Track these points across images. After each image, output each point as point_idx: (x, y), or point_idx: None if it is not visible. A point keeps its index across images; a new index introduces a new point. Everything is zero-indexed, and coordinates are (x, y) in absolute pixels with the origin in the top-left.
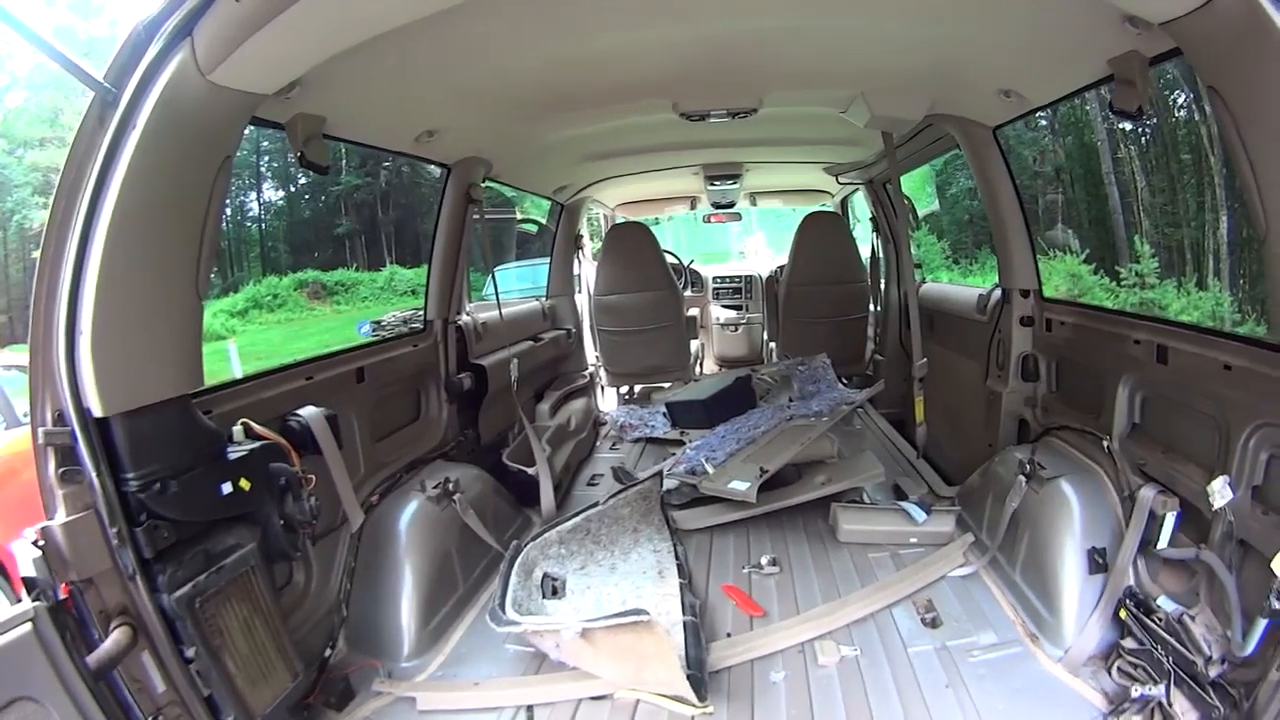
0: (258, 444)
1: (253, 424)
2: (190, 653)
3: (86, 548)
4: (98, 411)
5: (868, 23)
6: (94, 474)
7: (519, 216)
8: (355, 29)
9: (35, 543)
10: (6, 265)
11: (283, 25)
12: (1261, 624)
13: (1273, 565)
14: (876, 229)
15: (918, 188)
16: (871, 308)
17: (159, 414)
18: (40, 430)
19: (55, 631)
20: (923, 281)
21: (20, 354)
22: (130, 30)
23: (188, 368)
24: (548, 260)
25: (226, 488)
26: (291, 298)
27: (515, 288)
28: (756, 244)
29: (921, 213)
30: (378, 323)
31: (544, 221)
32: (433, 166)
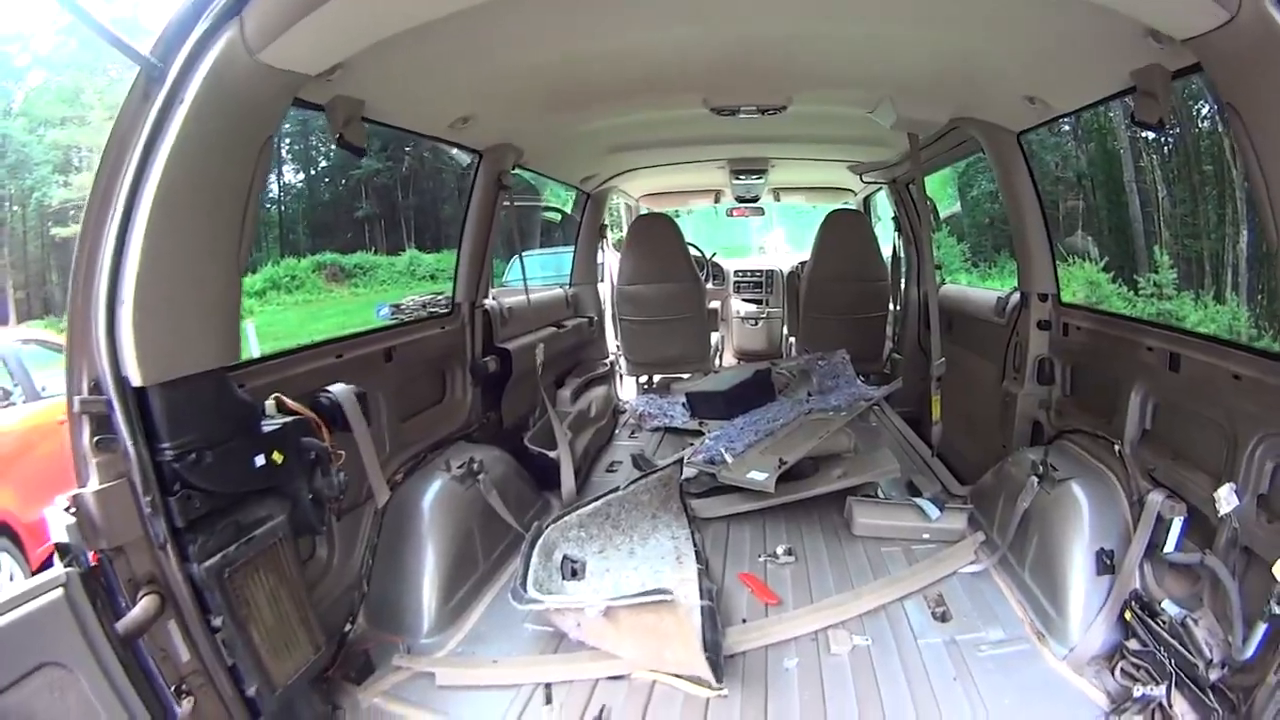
0: (290, 418)
1: (285, 399)
2: (217, 622)
3: (118, 516)
4: (136, 381)
5: (897, 28)
6: (130, 443)
7: (543, 204)
8: (404, 15)
9: (67, 509)
10: (25, 242)
11: (334, 8)
12: (1261, 628)
13: (1275, 570)
14: (898, 229)
15: (939, 189)
16: (891, 306)
17: (196, 385)
18: (76, 398)
19: (86, 598)
20: (942, 283)
21: (38, 329)
22: (177, 7)
23: (225, 342)
24: (569, 248)
25: (259, 460)
26: (310, 279)
27: (537, 275)
28: (776, 239)
29: (943, 214)
30: (397, 305)
31: (567, 210)
32: (456, 152)
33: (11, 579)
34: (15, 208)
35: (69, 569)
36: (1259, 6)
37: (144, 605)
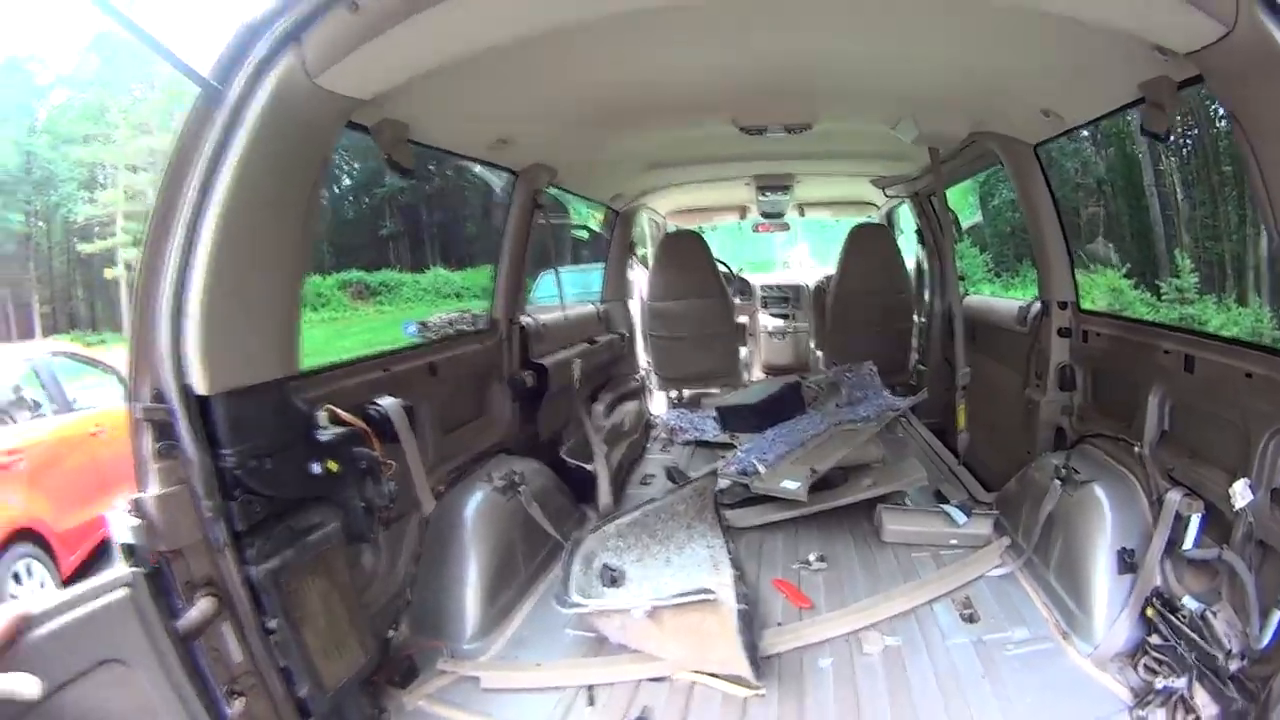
0: (344, 429)
1: (337, 410)
2: (272, 624)
3: (178, 520)
4: (201, 390)
5: (916, 48)
6: (193, 449)
7: (576, 223)
8: (455, 45)
9: (129, 512)
10: (51, 258)
11: (394, 36)
12: (1277, 617)
13: None
14: (921, 241)
15: (960, 199)
16: (916, 318)
17: (257, 395)
18: (138, 406)
19: (150, 598)
20: (965, 293)
21: (64, 342)
22: (235, 31)
23: (285, 353)
24: (594, 265)
25: (316, 468)
26: (335, 297)
27: (567, 292)
28: (800, 254)
29: (965, 224)
30: (424, 323)
31: (595, 228)
32: (480, 170)
33: (43, 586)
34: (41, 223)
35: (135, 569)
36: (1254, 20)
37: (201, 606)
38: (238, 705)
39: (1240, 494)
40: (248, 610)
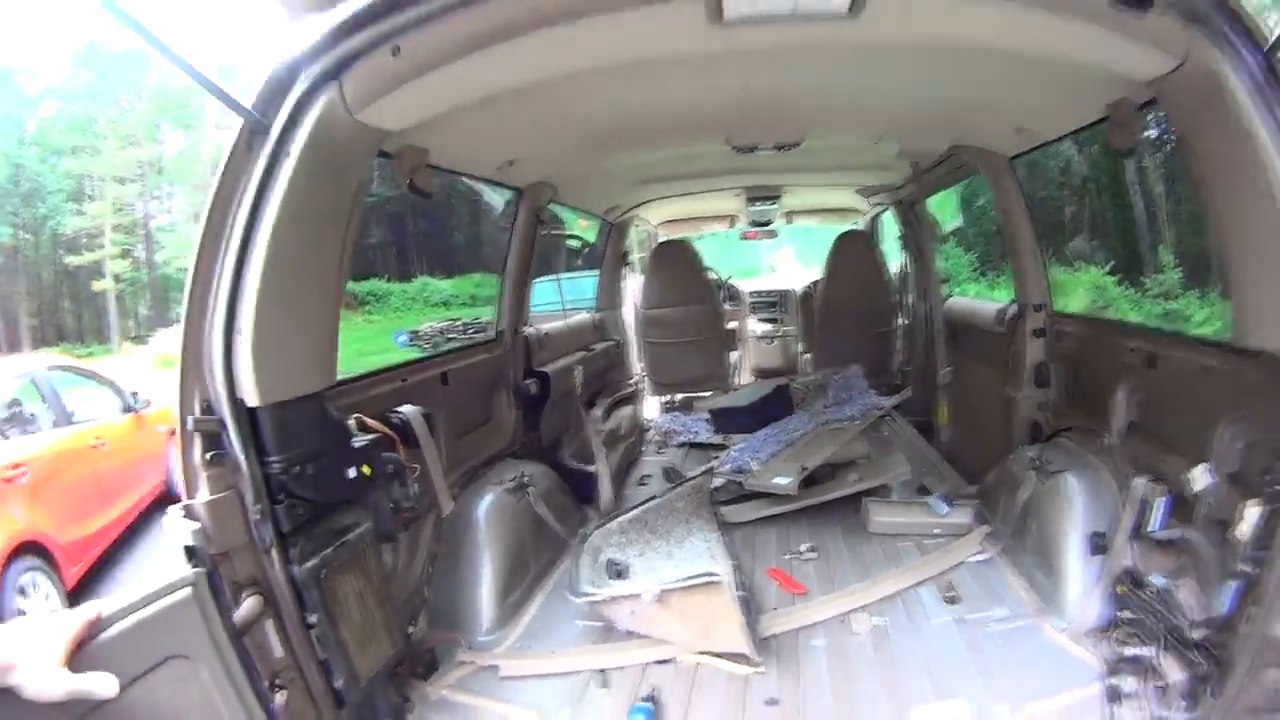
0: (373, 435)
1: (365, 418)
2: (313, 619)
3: (226, 524)
4: (252, 402)
5: (899, 72)
6: (243, 457)
7: (567, 233)
8: (487, 85)
9: (186, 517)
10: (39, 270)
11: (431, 78)
12: (1232, 585)
13: (1235, 533)
14: (904, 247)
15: (945, 203)
16: (900, 321)
17: (301, 406)
18: (189, 418)
19: (211, 596)
20: (948, 296)
21: (55, 355)
22: (275, 66)
23: (326, 367)
24: (591, 274)
25: (352, 473)
26: None
27: (554, 300)
28: (786, 257)
29: (951, 227)
30: (415, 333)
31: (588, 239)
32: (468, 180)
33: (47, 598)
34: (28, 235)
35: (197, 569)
36: (1202, 55)
37: (249, 605)
38: (279, 698)
39: (1200, 478)
40: (291, 607)
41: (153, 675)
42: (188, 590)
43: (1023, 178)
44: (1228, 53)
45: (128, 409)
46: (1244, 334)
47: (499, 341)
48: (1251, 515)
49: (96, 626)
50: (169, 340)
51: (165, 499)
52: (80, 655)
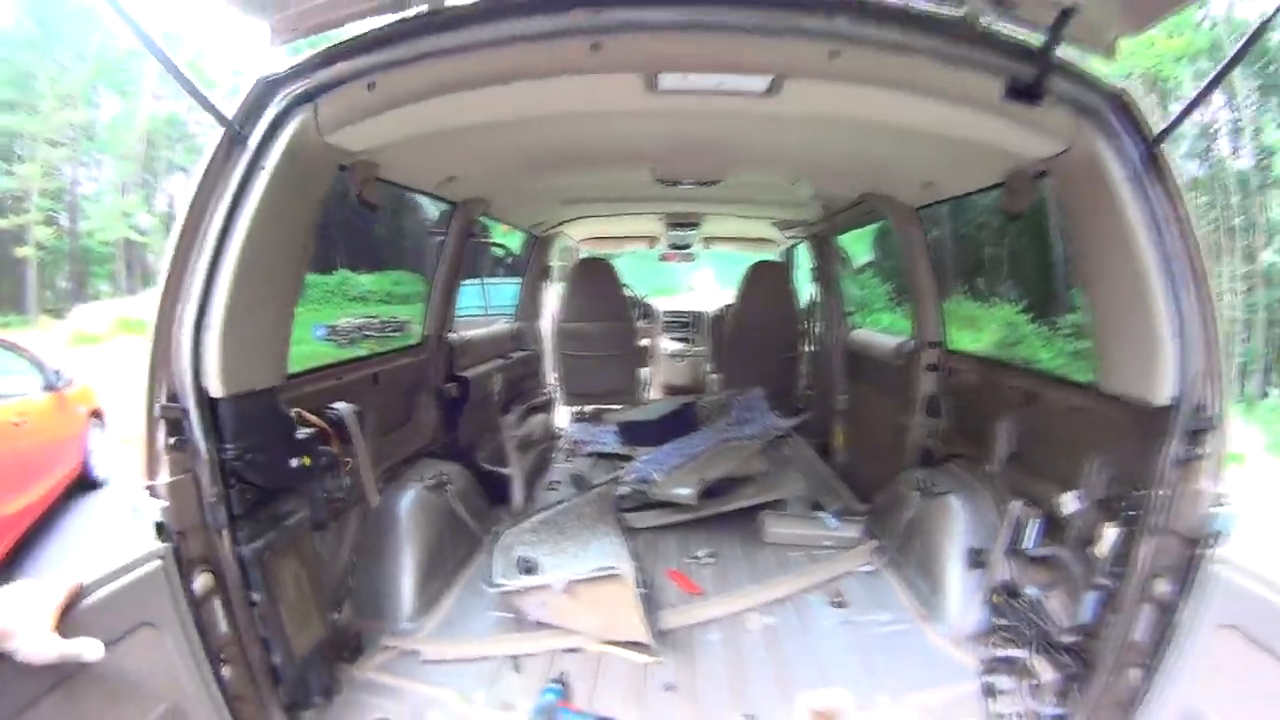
0: (311, 429)
1: (305, 413)
2: (256, 597)
3: (184, 505)
4: (215, 393)
5: (814, 132)
6: (203, 444)
7: (493, 241)
8: (448, 119)
9: (153, 497)
10: None
11: (399, 112)
12: (1092, 595)
13: (1093, 549)
14: (815, 279)
15: (864, 237)
16: (807, 348)
17: (257, 399)
18: (157, 405)
19: (176, 570)
20: (855, 327)
21: None
22: (256, 81)
23: (280, 364)
24: (513, 280)
25: (294, 462)
26: None
27: (476, 304)
28: (705, 277)
29: (868, 260)
30: (332, 327)
31: (511, 247)
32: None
33: None
34: None
35: (166, 544)
36: (1086, 141)
37: (202, 581)
38: (226, 671)
39: (1069, 503)
40: (237, 585)
41: (126, 640)
42: (158, 563)
43: (946, 217)
44: (1112, 142)
45: (49, 386)
46: (1105, 381)
47: (424, 345)
48: (1109, 535)
49: (80, 594)
50: (87, 317)
51: (82, 482)
52: (64, 620)
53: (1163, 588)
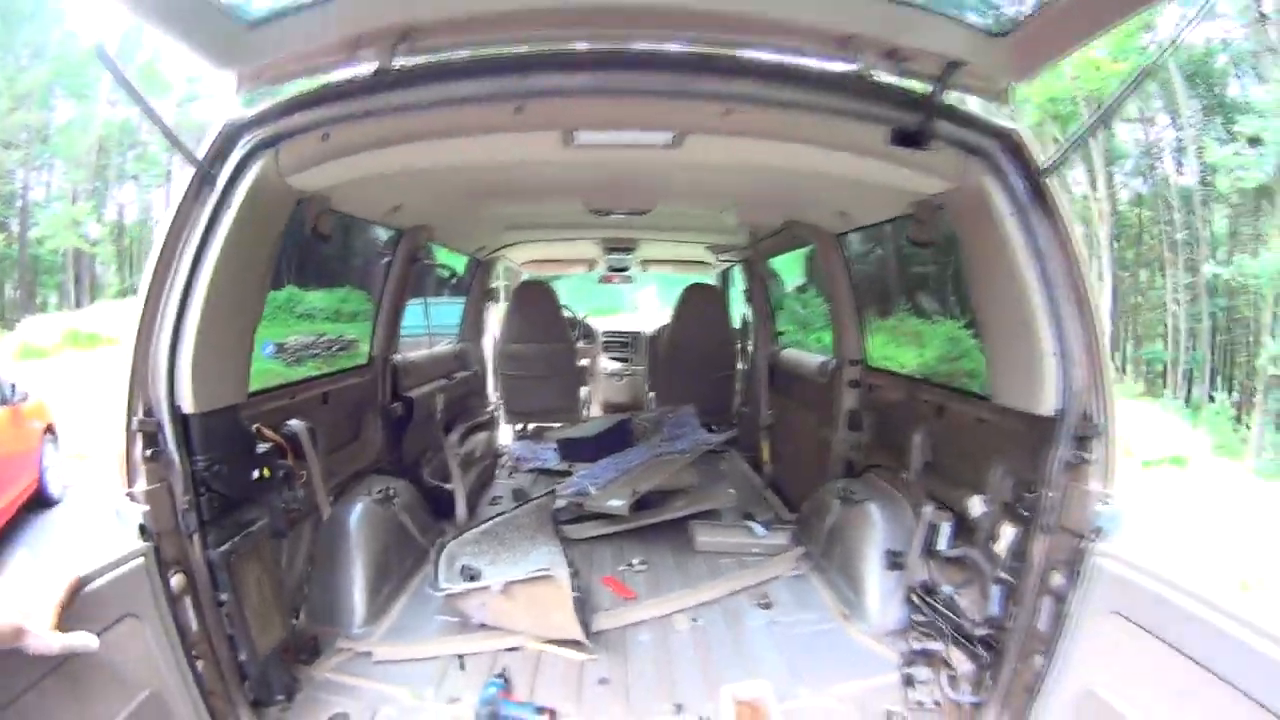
0: (269, 444)
1: (263, 429)
2: (223, 597)
3: (159, 511)
4: (188, 409)
5: (738, 162)
6: (176, 455)
7: (439, 263)
8: (395, 163)
9: (134, 502)
10: None
11: (351, 158)
12: (996, 590)
13: (995, 548)
14: (748, 300)
15: (795, 261)
16: (740, 366)
17: (224, 415)
18: (134, 419)
19: (157, 567)
20: (782, 347)
21: None
22: (223, 125)
23: (241, 383)
24: (455, 300)
25: (255, 474)
26: None
27: (428, 324)
28: (649, 295)
29: (805, 280)
30: (280, 345)
31: (455, 268)
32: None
33: None
34: None
35: (148, 543)
36: (977, 179)
37: (176, 580)
38: (199, 665)
39: (976, 506)
40: (206, 585)
41: (113, 630)
42: (141, 560)
43: (889, 236)
44: (999, 178)
45: (2, 400)
46: (997, 395)
47: (371, 366)
48: (1008, 534)
49: (79, 588)
50: (35, 329)
51: (38, 500)
52: (65, 615)
53: (1057, 580)
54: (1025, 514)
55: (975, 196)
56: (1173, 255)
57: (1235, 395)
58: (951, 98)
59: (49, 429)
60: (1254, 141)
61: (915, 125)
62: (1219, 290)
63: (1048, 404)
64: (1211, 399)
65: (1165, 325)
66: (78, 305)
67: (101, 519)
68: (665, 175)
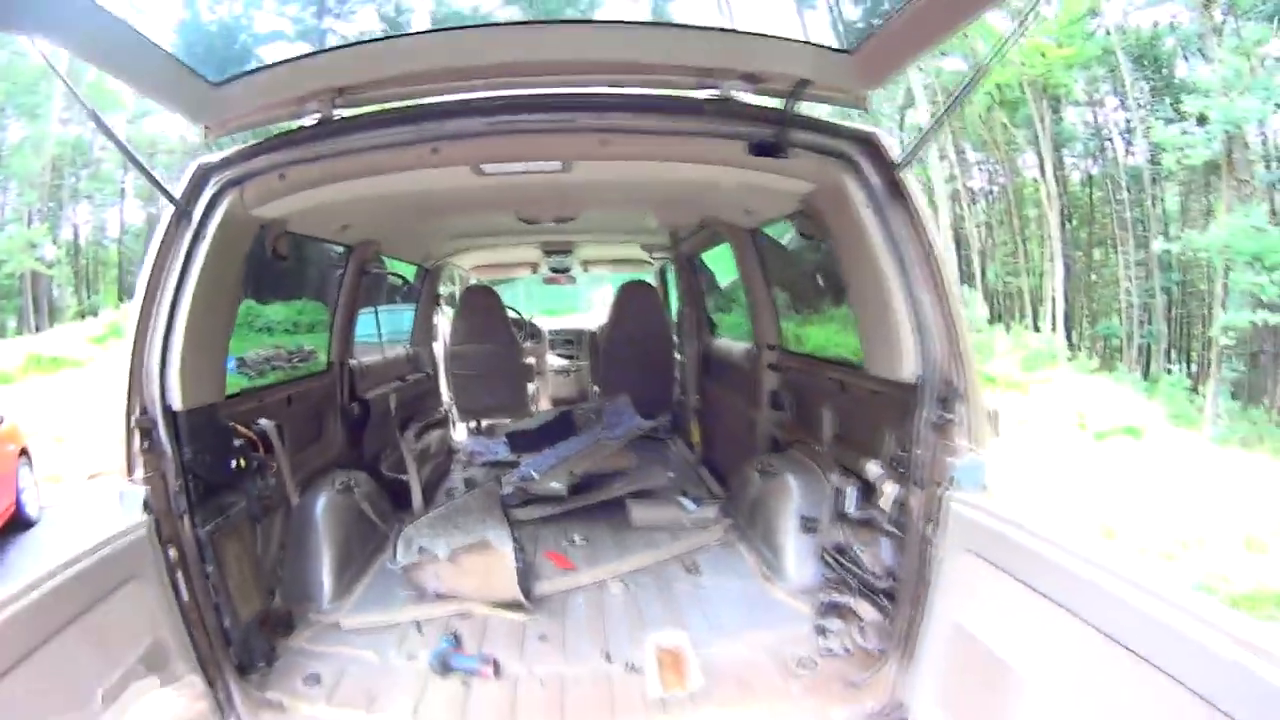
0: (244, 439)
1: (238, 426)
2: (209, 570)
3: (156, 494)
4: (177, 407)
5: (622, 180)
6: (168, 447)
7: (390, 272)
8: (342, 195)
9: (134, 483)
10: None
11: (306, 193)
12: (886, 543)
13: (882, 504)
14: (680, 294)
15: (727, 259)
16: (677, 357)
17: (206, 412)
18: (132, 417)
19: (157, 535)
20: (716, 337)
21: None
22: (196, 167)
23: (220, 384)
24: (407, 307)
25: (233, 464)
26: None
27: (379, 331)
28: (606, 294)
29: (727, 281)
30: (241, 360)
31: (407, 276)
32: None
33: None
34: None
35: (149, 516)
36: (835, 178)
37: (171, 554)
38: (190, 627)
39: (872, 470)
40: (195, 558)
41: (122, 588)
42: (144, 531)
43: (795, 231)
44: (855, 175)
45: None
46: (869, 365)
47: (329, 371)
48: (890, 491)
49: None
50: None
51: (16, 523)
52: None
53: (930, 530)
54: (903, 472)
55: (836, 193)
56: (1124, 233)
57: (1193, 367)
58: (821, 109)
59: (23, 452)
60: (1201, 120)
61: (772, 137)
62: (1172, 266)
63: (909, 371)
64: (1169, 371)
65: (1119, 302)
66: (37, 330)
67: (101, 510)
68: (577, 189)
